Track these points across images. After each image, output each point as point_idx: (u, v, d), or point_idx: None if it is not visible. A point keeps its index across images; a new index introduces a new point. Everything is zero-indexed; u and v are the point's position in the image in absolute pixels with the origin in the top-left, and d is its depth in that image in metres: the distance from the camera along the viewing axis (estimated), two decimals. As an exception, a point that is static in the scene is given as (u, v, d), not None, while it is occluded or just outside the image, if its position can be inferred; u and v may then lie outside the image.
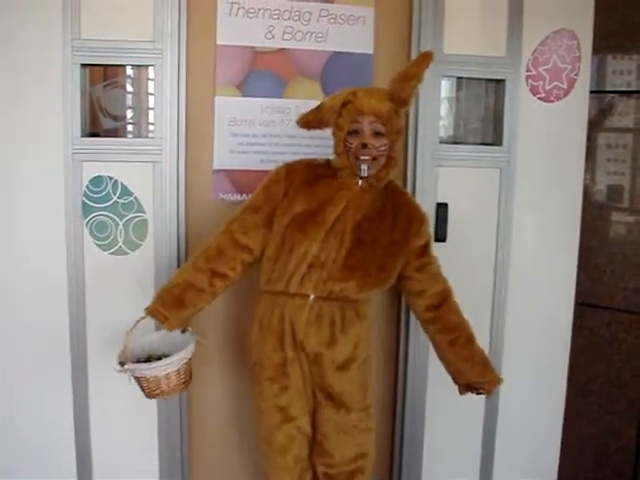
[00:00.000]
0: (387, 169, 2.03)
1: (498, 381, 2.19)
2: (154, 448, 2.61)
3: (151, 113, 2.50)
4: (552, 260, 2.78)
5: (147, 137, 2.53)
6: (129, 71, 2.53)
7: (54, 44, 2.37)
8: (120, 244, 2.49)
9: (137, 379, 2.06)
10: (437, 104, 2.62)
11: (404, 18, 2.61)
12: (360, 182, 2.01)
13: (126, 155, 2.45)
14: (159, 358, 2.08)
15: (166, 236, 2.49)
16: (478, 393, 2.20)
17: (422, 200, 2.60)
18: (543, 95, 2.67)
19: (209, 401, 2.70)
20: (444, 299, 2.16)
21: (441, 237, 2.64)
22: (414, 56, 2.57)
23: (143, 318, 2.07)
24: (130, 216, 2.48)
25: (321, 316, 2.02)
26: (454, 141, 2.74)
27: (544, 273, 2.78)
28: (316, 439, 2.20)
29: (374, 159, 1.96)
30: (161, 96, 2.43)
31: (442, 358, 2.21)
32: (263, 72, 2.53)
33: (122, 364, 2.00)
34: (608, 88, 2.77)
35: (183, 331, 2.15)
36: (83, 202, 2.45)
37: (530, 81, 2.66)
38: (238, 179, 2.56)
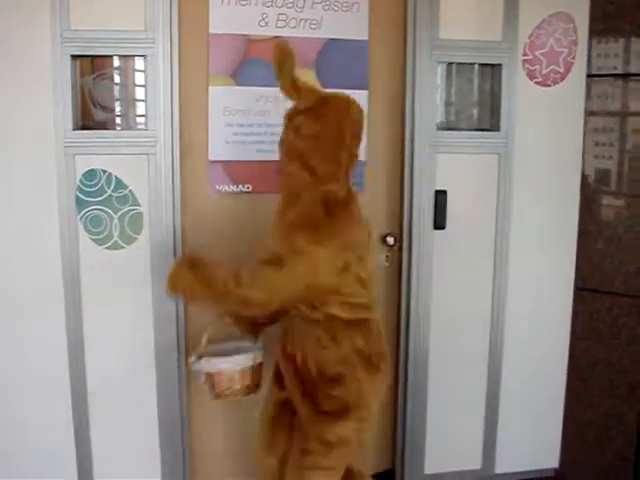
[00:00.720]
0: None
1: None
2: (156, 448, 2.58)
3: (144, 104, 2.46)
4: (551, 245, 2.77)
5: (140, 129, 2.49)
6: (121, 62, 2.49)
7: (43, 35, 2.31)
8: (115, 238, 2.45)
9: (210, 376, 2.07)
10: (433, 90, 2.60)
11: (399, 3, 2.58)
12: None
13: (119, 147, 2.41)
14: None
15: (162, 229, 2.46)
16: None
17: (420, 187, 2.60)
18: (540, 79, 2.65)
19: (210, 402, 2.67)
20: None
21: (440, 224, 2.62)
22: (410, 41, 2.55)
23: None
24: (125, 210, 2.44)
25: None
26: (452, 127, 2.72)
27: (543, 258, 2.77)
28: None
29: None
30: (154, 87, 2.39)
31: None
32: (257, 60, 2.49)
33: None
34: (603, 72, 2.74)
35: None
36: (77, 196, 2.41)
37: (527, 65, 2.63)
38: (234, 170, 2.52)
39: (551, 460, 2.93)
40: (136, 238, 2.47)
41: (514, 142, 2.65)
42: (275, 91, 2.45)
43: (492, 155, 2.65)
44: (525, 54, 2.63)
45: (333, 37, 2.53)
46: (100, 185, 2.42)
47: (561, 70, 2.65)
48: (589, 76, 2.69)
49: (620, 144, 2.72)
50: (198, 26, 2.44)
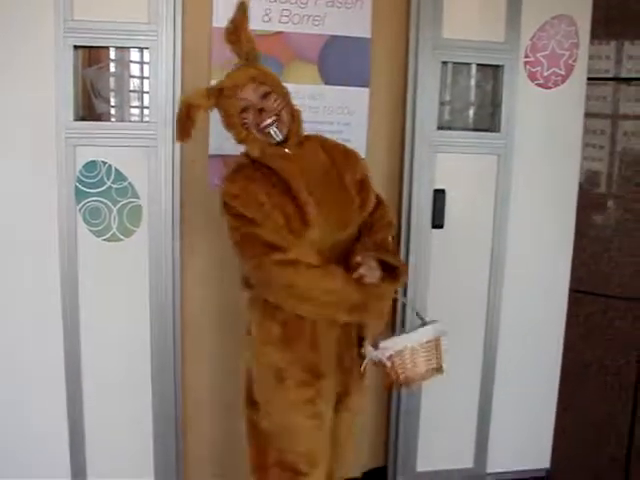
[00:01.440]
0: (296, 122, 1.92)
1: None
2: (149, 447, 2.58)
3: (146, 96, 2.46)
4: (548, 246, 2.78)
5: (142, 121, 2.49)
6: (123, 53, 2.48)
7: (46, 25, 2.31)
8: (114, 230, 2.45)
9: (392, 363, 1.90)
10: (435, 89, 2.60)
11: (402, 1, 2.58)
12: (284, 147, 1.90)
13: (120, 139, 2.40)
14: None
15: (161, 222, 2.46)
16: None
17: (419, 186, 2.61)
18: (541, 81, 2.66)
19: (204, 400, 2.69)
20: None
21: (438, 223, 2.64)
22: (412, 40, 2.56)
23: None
24: (124, 202, 2.44)
25: None
26: (452, 127, 2.72)
27: (540, 259, 2.79)
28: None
29: (277, 118, 1.86)
30: (156, 79, 2.39)
31: None
32: (260, 55, 2.47)
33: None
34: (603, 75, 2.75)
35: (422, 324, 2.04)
36: (76, 187, 2.40)
37: (528, 67, 2.64)
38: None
39: (542, 460, 2.95)
40: (134, 230, 2.47)
41: (514, 143, 2.66)
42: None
43: (492, 156, 2.66)
44: (527, 56, 2.64)
45: (336, 34, 2.53)
46: (100, 177, 2.42)
47: (562, 73, 2.66)
48: (590, 79, 2.69)
49: (612, 147, 2.74)
50: (201, 19, 2.43)
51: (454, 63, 2.68)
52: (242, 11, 1.89)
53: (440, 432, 2.82)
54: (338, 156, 1.99)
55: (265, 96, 1.86)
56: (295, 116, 1.92)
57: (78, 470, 2.56)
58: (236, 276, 2.16)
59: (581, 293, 2.80)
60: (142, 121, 2.49)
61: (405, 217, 2.65)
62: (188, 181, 2.51)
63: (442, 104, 2.69)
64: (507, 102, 2.65)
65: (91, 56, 2.48)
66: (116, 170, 2.42)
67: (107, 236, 2.45)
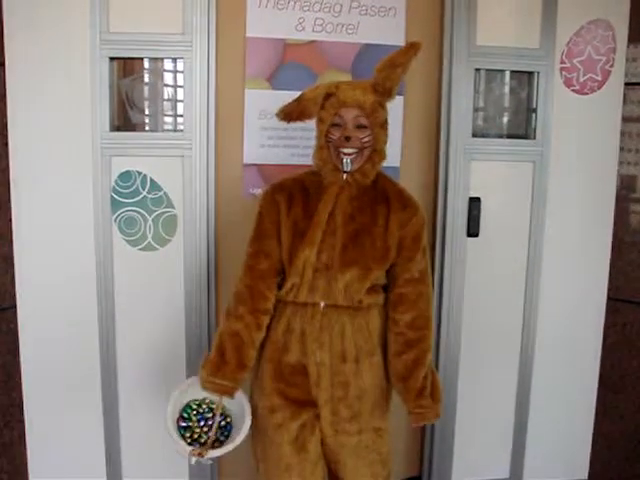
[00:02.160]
0: (372, 163, 1.92)
1: (433, 413, 2.02)
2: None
3: (180, 106, 2.47)
4: (585, 254, 2.74)
5: (176, 131, 2.50)
6: (158, 64, 2.49)
7: (82, 37, 2.34)
8: (149, 240, 2.47)
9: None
10: (469, 97, 2.57)
11: (436, 9, 2.57)
12: (345, 176, 1.91)
13: (155, 149, 2.42)
14: (202, 402, 2.01)
15: (196, 232, 2.47)
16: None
17: (454, 194, 2.59)
18: (577, 87, 2.63)
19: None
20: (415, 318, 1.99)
21: (473, 232, 2.61)
22: (447, 48, 2.54)
23: (220, 403, 1.97)
24: (159, 211, 2.46)
25: (331, 325, 1.94)
26: (487, 134, 2.69)
27: (577, 267, 2.74)
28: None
29: (358, 152, 1.87)
30: (190, 89, 2.40)
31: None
32: (294, 65, 2.49)
33: (200, 454, 1.89)
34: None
35: None
36: (112, 197, 2.43)
37: (564, 73, 2.61)
38: (269, 174, 2.53)
39: (580, 472, 2.90)
40: (169, 240, 2.48)
41: (550, 150, 2.63)
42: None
43: (527, 163, 2.63)
44: (562, 62, 2.60)
45: (370, 42, 2.53)
46: (135, 186, 2.43)
47: (599, 78, 2.62)
48: (627, 84, 2.65)
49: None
50: (235, 30, 2.45)
51: (487, 70, 2.65)
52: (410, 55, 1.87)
53: (476, 441, 2.79)
54: (394, 208, 1.96)
55: (360, 128, 1.87)
56: (374, 161, 1.92)
57: (114, 470, 2.59)
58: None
59: (619, 301, 2.76)
60: (177, 130, 2.50)
61: (440, 225, 2.63)
62: (223, 190, 2.51)
63: (476, 111, 2.66)
64: (542, 109, 2.61)
65: (126, 67, 2.50)
66: (151, 180, 2.43)
67: (142, 245, 2.47)
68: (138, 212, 2.45)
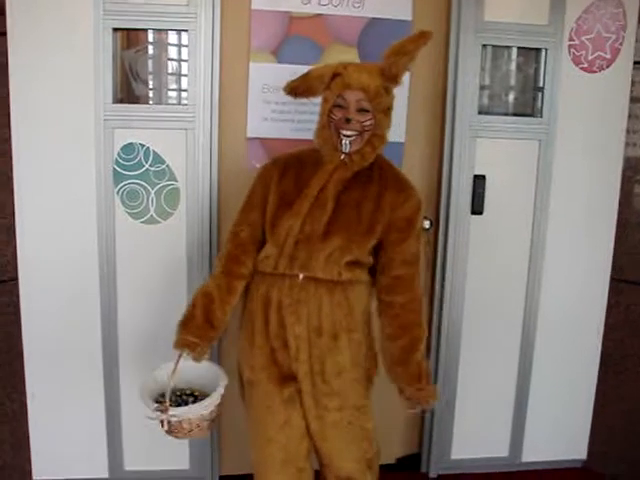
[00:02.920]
0: (371, 146, 1.91)
1: (433, 396, 2.03)
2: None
3: (184, 79, 2.45)
4: (589, 234, 2.73)
5: (180, 104, 2.48)
6: (161, 36, 2.47)
7: (85, 7, 2.30)
8: (151, 213, 2.46)
9: (168, 424, 1.87)
10: (475, 74, 2.54)
11: (444, -17, 2.53)
12: (343, 157, 1.91)
13: (158, 122, 2.40)
14: (183, 392, 2.01)
15: (198, 205, 2.46)
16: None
17: (459, 172, 2.57)
18: (585, 65, 2.60)
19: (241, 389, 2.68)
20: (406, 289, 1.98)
21: (478, 209, 2.60)
22: (454, 23, 2.51)
23: (180, 357, 1.94)
24: (162, 184, 2.44)
25: (309, 298, 1.92)
26: (493, 112, 2.67)
27: (580, 247, 2.73)
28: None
29: (358, 135, 1.87)
30: (195, 62, 2.38)
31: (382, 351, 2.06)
32: (299, 38, 2.46)
33: (161, 410, 1.83)
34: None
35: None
36: (114, 170, 2.41)
37: (572, 50, 2.58)
38: (272, 147, 2.51)
39: (579, 451, 2.91)
40: (172, 213, 2.47)
41: (556, 129, 2.60)
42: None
43: (533, 141, 2.60)
44: (571, 39, 2.57)
45: (376, 16, 2.49)
46: (138, 159, 2.42)
47: (608, 56, 2.59)
48: (636, 63, 2.62)
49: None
50: (240, 1, 2.41)
51: (494, 46, 2.62)
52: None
53: (476, 420, 2.80)
54: (389, 190, 1.95)
55: (362, 112, 1.87)
56: (373, 144, 1.91)
57: (115, 458, 2.61)
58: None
59: (623, 282, 2.75)
60: (180, 104, 2.48)
61: (444, 203, 2.61)
62: (226, 164, 2.50)
63: (482, 88, 2.63)
64: (549, 86, 2.58)
65: (130, 38, 2.47)
66: (154, 153, 2.42)
67: (145, 219, 2.46)
68: (141, 185, 2.43)
